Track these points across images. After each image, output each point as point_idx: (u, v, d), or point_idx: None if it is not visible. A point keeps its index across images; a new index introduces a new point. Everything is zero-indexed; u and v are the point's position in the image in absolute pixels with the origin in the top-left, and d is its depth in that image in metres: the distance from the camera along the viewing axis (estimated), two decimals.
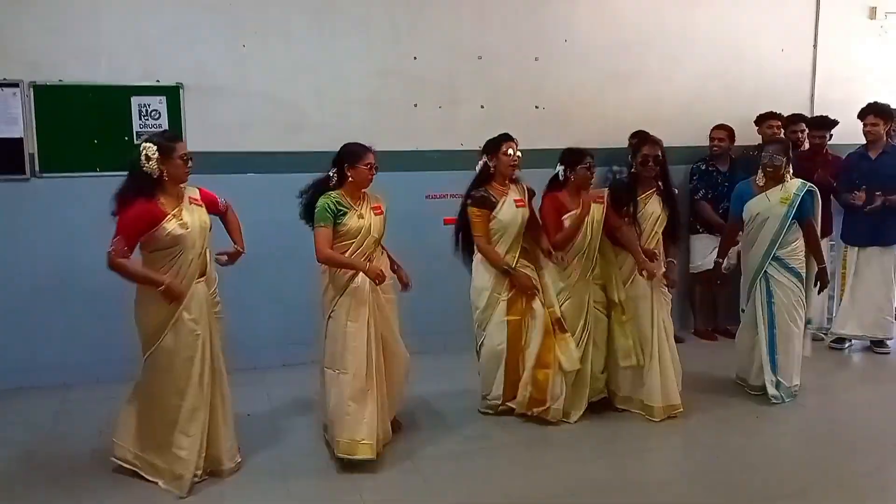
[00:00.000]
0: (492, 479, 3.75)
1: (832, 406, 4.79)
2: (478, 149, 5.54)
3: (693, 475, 3.80)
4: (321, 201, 3.75)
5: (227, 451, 3.69)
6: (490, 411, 4.43)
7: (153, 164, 3.37)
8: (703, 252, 5.89)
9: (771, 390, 4.64)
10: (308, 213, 3.85)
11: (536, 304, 4.29)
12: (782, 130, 5.93)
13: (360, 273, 3.74)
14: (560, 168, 4.35)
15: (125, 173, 3.48)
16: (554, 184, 4.39)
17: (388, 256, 4.05)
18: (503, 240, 4.28)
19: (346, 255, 3.75)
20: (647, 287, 4.37)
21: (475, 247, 4.34)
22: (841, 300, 5.73)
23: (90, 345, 4.99)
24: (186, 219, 3.46)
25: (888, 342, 5.75)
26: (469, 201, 4.30)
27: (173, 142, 3.48)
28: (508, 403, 4.36)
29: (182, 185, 3.54)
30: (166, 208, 3.43)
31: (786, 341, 4.64)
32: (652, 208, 4.43)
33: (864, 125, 5.55)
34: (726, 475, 3.76)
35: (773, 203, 4.56)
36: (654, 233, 4.44)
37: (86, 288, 4.93)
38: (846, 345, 5.82)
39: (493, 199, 4.26)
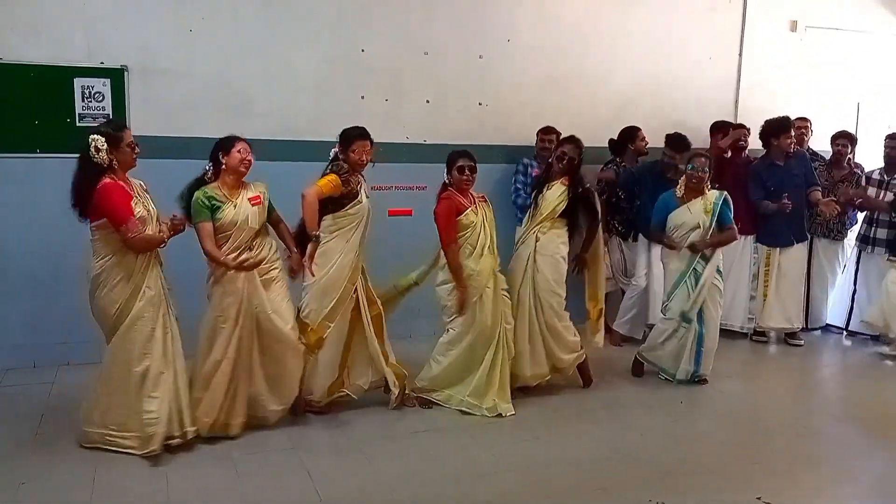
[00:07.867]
0: (434, 457, 3.89)
1: (751, 393, 5.13)
2: (422, 142, 5.72)
3: (624, 453, 4.02)
4: (194, 196, 3.82)
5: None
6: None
7: (103, 155, 3.57)
8: None
9: (681, 377, 4.98)
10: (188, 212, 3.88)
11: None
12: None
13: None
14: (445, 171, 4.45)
15: (66, 156, 3.68)
16: (444, 186, 4.47)
17: (286, 240, 4.12)
18: (357, 227, 4.27)
19: (224, 247, 3.82)
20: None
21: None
22: (764, 297, 6.04)
23: (25, 328, 4.90)
24: (149, 206, 3.71)
25: (800, 334, 6.16)
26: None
27: (120, 131, 3.68)
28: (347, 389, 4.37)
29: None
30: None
31: (713, 334, 4.99)
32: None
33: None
34: (653, 453, 4.02)
35: (695, 214, 4.89)
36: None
37: (21, 271, 4.87)
38: (766, 337, 6.17)
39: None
